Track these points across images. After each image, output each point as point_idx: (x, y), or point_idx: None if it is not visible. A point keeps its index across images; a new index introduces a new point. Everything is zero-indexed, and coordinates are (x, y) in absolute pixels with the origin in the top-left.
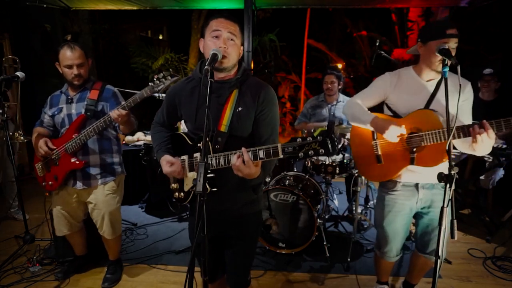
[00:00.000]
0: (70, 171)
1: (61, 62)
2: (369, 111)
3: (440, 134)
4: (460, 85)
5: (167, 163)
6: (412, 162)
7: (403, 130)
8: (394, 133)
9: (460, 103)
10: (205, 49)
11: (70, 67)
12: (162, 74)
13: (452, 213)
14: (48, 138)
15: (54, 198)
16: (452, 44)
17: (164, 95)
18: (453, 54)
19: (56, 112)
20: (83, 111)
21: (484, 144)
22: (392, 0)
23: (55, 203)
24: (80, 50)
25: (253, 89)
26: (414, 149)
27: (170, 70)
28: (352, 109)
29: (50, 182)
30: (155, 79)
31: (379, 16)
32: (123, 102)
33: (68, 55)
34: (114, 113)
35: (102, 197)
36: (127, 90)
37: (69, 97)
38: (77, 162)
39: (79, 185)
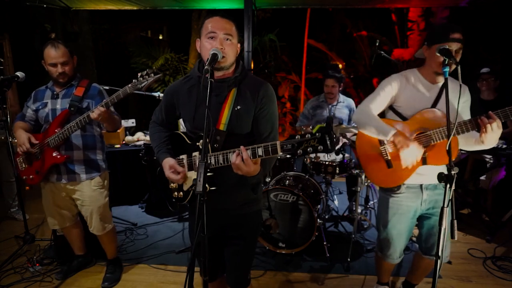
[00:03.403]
0: (53, 166)
1: (46, 60)
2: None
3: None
4: (460, 85)
5: (170, 168)
6: (424, 162)
7: (420, 152)
8: (413, 156)
9: (462, 104)
10: (202, 49)
11: (54, 65)
12: (146, 71)
13: (452, 213)
14: (31, 134)
15: (43, 193)
16: (455, 48)
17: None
18: (457, 58)
19: (40, 107)
20: (68, 107)
21: (493, 133)
22: (392, 0)
23: (45, 198)
24: (63, 48)
25: (252, 87)
26: (425, 149)
27: (153, 67)
28: (367, 119)
29: (31, 176)
30: (138, 76)
31: (379, 16)
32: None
33: (52, 54)
34: (95, 112)
35: (89, 193)
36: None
37: (55, 93)
38: (59, 157)
39: (64, 180)
